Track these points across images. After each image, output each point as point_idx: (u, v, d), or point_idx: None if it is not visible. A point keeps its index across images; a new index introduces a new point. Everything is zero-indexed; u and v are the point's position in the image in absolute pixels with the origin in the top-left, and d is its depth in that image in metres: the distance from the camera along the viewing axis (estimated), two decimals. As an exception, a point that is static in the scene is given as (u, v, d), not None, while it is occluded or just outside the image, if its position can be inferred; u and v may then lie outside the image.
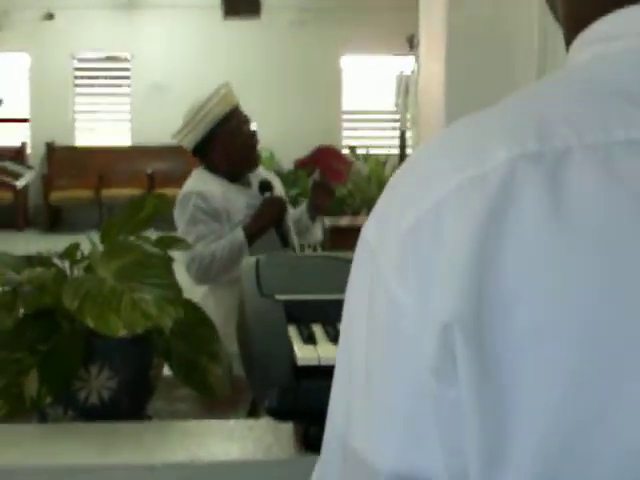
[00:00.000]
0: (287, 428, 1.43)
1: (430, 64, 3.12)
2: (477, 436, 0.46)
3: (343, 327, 0.54)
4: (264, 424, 1.48)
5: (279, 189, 3.22)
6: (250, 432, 1.45)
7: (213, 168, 3.11)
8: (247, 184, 3.14)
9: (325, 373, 1.31)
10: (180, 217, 2.99)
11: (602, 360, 0.45)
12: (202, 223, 2.96)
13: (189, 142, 3.10)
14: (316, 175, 3.35)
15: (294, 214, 3.21)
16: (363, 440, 0.51)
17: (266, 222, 2.99)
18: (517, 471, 0.46)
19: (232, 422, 1.51)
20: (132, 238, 1.67)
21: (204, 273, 2.92)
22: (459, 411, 0.47)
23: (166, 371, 1.69)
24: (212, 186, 3.04)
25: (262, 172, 3.25)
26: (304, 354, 1.30)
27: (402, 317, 0.49)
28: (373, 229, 0.53)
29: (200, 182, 3.07)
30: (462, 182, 0.48)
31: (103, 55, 11.05)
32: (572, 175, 0.46)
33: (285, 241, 3.04)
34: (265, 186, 3.08)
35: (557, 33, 0.60)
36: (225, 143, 3.07)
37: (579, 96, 0.50)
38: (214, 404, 1.76)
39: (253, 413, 1.82)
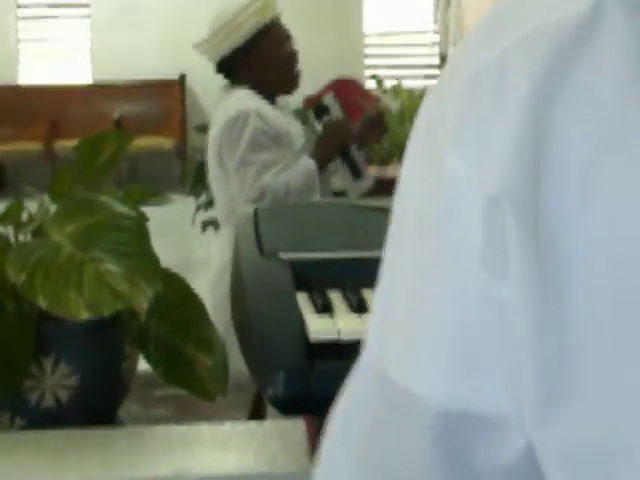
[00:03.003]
0: (297, 431, 1.45)
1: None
2: (532, 357, 0.46)
3: (389, 239, 0.55)
4: (268, 428, 1.50)
5: (337, 113, 3.37)
6: (251, 438, 1.46)
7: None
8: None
9: (346, 351, 1.32)
10: (234, 144, 3.09)
11: None
12: (265, 149, 3.08)
13: (216, 54, 3.25)
14: (372, 110, 3.42)
15: None
16: (404, 369, 0.52)
17: (332, 150, 3.19)
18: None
19: (228, 426, 1.53)
20: (93, 194, 1.67)
21: None
22: (512, 315, 0.47)
23: (142, 365, 1.69)
24: (265, 107, 3.18)
25: None
26: (318, 327, 1.29)
27: (457, 197, 0.49)
28: (433, 96, 0.53)
29: (253, 100, 3.18)
30: (536, 27, 0.48)
31: (53, -33, 11.06)
32: None
33: (355, 171, 3.25)
34: (322, 110, 3.31)
35: None
36: (261, 60, 3.22)
37: None
38: (204, 407, 1.77)
39: (255, 417, 1.83)
